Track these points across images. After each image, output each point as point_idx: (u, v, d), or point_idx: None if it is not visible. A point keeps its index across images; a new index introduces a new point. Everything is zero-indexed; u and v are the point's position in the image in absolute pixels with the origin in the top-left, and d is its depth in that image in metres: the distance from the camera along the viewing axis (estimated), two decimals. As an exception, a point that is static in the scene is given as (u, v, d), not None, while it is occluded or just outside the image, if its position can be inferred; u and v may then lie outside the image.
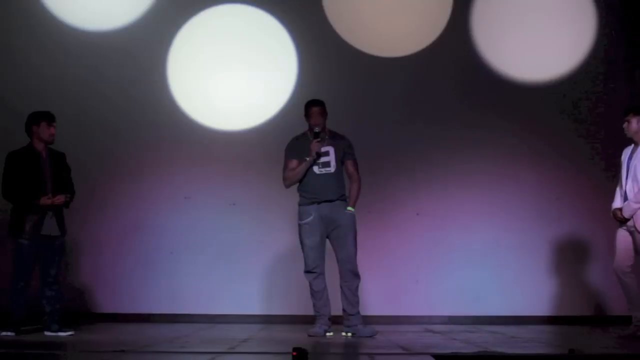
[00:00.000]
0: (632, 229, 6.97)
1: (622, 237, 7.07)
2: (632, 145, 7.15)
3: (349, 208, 7.06)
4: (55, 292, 7.06)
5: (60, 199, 7.00)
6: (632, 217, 6.96)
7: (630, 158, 7.09)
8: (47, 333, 6.97)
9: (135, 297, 8.58)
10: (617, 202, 7.14)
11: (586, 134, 8.78)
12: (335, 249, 7.07)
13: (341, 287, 7.04)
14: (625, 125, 7.12)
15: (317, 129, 7.04)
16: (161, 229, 8.64)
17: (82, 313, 8.35)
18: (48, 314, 7.03)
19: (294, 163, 7.09)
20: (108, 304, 8.59)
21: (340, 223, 7.02)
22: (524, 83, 8.83)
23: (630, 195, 6.99)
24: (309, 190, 7.04)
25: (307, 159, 7.02)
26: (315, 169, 7.05)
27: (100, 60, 8.74)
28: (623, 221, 7.05)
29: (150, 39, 8.80)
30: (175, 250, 8.63)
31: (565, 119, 8.80)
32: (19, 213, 6.99)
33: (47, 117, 7.14)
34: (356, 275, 7.03)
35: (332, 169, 7.08)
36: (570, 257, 8.68)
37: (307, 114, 7.14)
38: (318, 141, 7.02)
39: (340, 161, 7.11)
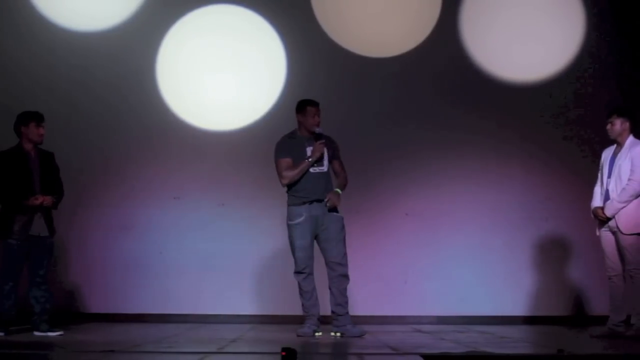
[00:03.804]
0: (615, 229, 6.97)
1: (608, 239, 7.06)
2: (615, 145, 7.17)
3: (336, 190, 7.01)
4: (44, 292, 7.05)
5: (48, 200, 6.99)
6: (614, 216, 6.96)
7: (613, 158, 7.10)
8: (36, 333, 6.96)
9: (125, 297, 8.57)
10: (597, 201, 7.15)
11: (575, 134, 8.79)
12: (324, 251, 7.04)
13: (330, 288, 7.02)
14: (608, 126, 7.12)
15: (318, 130, 7.03)
16: (150, 229, 8.64)
17: (71, 313, 8.35)
18: (37, 314, 7.02)
19: (289, 161, 7.03)
20: (97, 304, 8.58)
21: (330, 225, 6.99)
22: (512, 83, 8.84)
23: (612, 194, 6.99)
24: (301, 189, 7.00)
25: (309, 159, 6.98)
26: (310, 167, 7.03)
27: (90, 60, 8.72)
28: (604, 220, 7.06)
29: (139, 40, 8.79)
30: (165, 250, 8.63)
31: (555, 119, 8.82)
32: (8, 213, 6.97)
33: (36, 118, 7.11)
34: (346, 277, 7.02)
35: (325, 167, 7.07)
36: (561, 257, 8.70)
37: (303, 113, 7.07)
38: (322, 142, 7.00)
39: (329, 161, 7.11)
